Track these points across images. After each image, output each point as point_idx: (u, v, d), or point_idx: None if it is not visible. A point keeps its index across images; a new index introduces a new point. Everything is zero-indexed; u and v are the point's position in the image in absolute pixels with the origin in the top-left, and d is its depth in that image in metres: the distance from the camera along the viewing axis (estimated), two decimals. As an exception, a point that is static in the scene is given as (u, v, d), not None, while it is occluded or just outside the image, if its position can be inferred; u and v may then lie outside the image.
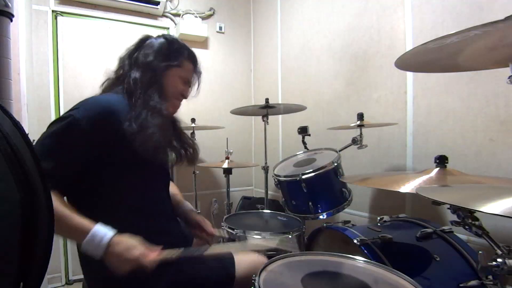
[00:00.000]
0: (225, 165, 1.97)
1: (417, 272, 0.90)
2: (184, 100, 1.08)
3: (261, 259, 1.03)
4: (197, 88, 1.09)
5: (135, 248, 0.77)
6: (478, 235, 0.67)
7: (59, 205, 0.75)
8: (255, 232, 1.27)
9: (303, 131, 1.70)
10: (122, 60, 1.00)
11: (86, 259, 0.89)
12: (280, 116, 2.46)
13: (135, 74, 0.93)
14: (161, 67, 0.96)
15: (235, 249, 1.04)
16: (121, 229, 0.79)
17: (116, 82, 0.98)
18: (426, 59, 0.86)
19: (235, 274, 0.94)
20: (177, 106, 1.06)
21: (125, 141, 0.83)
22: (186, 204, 1.18)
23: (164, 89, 0.96)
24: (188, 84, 1.05)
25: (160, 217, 0.98)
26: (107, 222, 0.79)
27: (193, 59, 1.04)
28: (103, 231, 0.76)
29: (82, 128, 0.79)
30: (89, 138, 0.81)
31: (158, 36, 1.02)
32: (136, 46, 1.01)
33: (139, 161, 0.86)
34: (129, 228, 0.81)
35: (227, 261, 0.97)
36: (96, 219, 0.78)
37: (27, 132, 0.69)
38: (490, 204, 0.51)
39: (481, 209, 0.49)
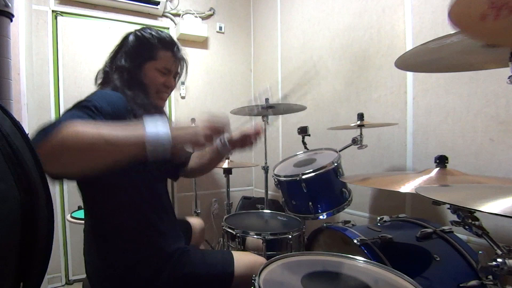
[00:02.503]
0: (225, 165, 1.97)
1: (417, 272, 0.90)
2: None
3: (260, 258, 1.03)
4: (185, 73, 1.06)
5: (191, 131, 0.70)
6: (478, 235, 0.67)
7: (93, 128, 0.60)
8: (255, 232, 1.27)
9: (303, 131, 1.70)
10: (107, 61, 1.01)
11: (91, 256, 0.89)
12: (280, 116, 2.47)
13: (114, 78, 0.94)
14: (134, 66, 0.95)
15: None
16: (133, 223, 0.86)
17: (104, 83, 0.98)
18: (426, 59, 0.86)
19: (234, 273, 0.94)
20: (165, 98, 1.04)
21: None
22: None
23: (145, 86, 0.96)
24: (169, 73, 1.01)
25: (164, 212, 0.99)
26: (121, 218, 0.84)
27: (167, 46, 0.98)
28: (154, 131, 0.63)
29: (106, 111, 0.73)
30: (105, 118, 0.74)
31: (131, 33, 1.01)
32: (119, 45, 1.02)
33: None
34: (142, 222, 0.88)
35: (227, 259, 0.97)
36: (108, 214, 0.83)
37: (27, 132, 0.69)
38: (490, 204, 0.51)
39: (481, 209, 0.49)
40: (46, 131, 0.57)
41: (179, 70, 1.05)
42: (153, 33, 0.98)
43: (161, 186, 1.04)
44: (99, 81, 1.00)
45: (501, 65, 0.80)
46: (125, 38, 1.01)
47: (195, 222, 1.35)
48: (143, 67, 0.96)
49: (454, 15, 0.53)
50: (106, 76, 0.98)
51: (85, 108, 0.70)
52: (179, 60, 1.02)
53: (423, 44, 0.75)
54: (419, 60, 0.89)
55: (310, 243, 1.29)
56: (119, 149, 0.61)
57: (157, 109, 0.99)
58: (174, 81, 1.04)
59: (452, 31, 0.61)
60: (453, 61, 0.86)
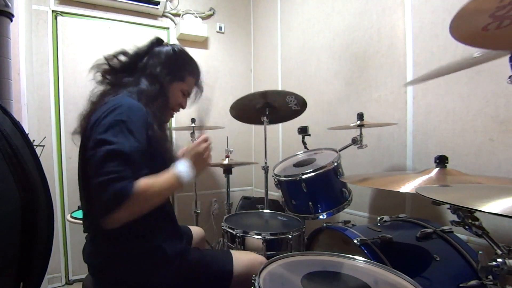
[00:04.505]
0: (225, 162, 1.97)
1: (417, 272, 0.90)
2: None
3: (260, 257, 1.03)
4: (198, 98, 1.12)
5: (192, 151, 0.90)
6: (478, 235, 0.67)
7: (150, 179, 0.77)
8: (255, 232, 1.27)
9: (303, 131, 1.71)
10: (131, 62, 1.00)
11: (94, 253, 0.89)
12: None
13: (144, 84, 0.94)
14: (166, 80, 0.98)
15: None
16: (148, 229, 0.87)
17: (123, 84, 0.96)
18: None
19: (233, 272, 0.94)
20: (172, 116, 1.10)
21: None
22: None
23: (168, 101, 1.00)
24: (187, 95, 1.09)
25: (170, 218, 1.00)
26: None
27: (196, 74, 1.07)
28: (180, 167, 0.85)
29: (136, 128, 0.80)
30: (140, 136, 0.81)
31: (167, 45, 1.03)
32: (147, 50, 1.01)
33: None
34: (154, 229, 0.89)
35: (226, 258, 0.97)
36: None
37: (27, 132, 0.69)
38: (490, 204, 0.51)
39: (481, 209, 0.49)
40: (121, 197, 0.70)
41: (193, 95, 1.12)
42: (188, 55, 1.05)
43: None
44: (111, 80, 0.98)
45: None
46: (157, 44, 1.01)
47: (196, 230, 1.34)
48: (171, 84, 1.00)
49: (456, 29, 0.54)
50: (129, 80, 0.96)
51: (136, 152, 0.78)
52: (199, 88, 1.11)
53: (422, 77, 0.74)
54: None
55: (310, 243, 1.29)
56: (169, 189, 0.83)
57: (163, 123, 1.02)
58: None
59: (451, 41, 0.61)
60: (453, 65, 0.87)
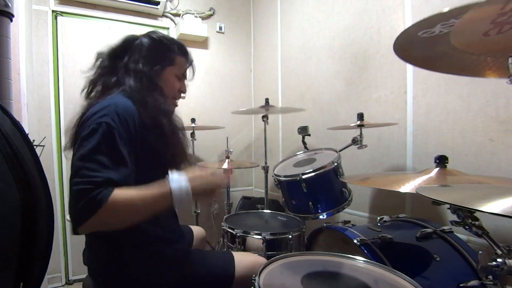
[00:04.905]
0: (225, 165, 1.97)
1: (417, 272, 0.90)
2: (183, 100, 1.08)
3: (261, 259, 1.03)
4: (193, 76, 1.08)
5: (209, 180, 0.82)
6: (478, 235, 0.67)
7: (132, 191, 0.72)
8: (255, 232, 1.27)
9: (303, 131, 1.71)
10: (110, 62, 0.97)
11: (94, 257, 0.89)
12: (280, 116, 2.47)
13: (131, 81, 0.90)
14: (155, 71, 0.94)
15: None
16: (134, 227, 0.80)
17: (111, 87, 0.93)
18: (427, 54, 0.86)
19: (235, 274, 0.94)
20: (176, 104, 1.06)
21: (144, 144, 0.83)
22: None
23: (163, 91, 0.96)
24: (184, 78, 1.04)
25: (168, 216, 0.99)
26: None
27: (184, 52, 1.01)
28: (176, 180, 0.75)
29: (119, 133, 0.77)
30: (125, 142, 0.78)
31: (143, 36, 0.99)
32: (122, 49, 0.98)
33: (154, 163, 0.88)
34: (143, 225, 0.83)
35: (227, 260, 0.97)
36: None
37: (27, 132, 0.69)
38: (490, 204, 0.51)
39: (481, 209, 0.49)
40: (93, 205, 0.66)
41: (188, 74, 1.07)
42: (169, 37, 1.00)
43: None
44: (98, 88, 0.96)
45: (502, 75, 0.79)
46: (133, 40, 0.98)
47: (197, 230, 1.34)
48: (162, 72, 0.95)
49: (456, 37, 0.54)
50: (113, 81, 0.93)
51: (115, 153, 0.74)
52: (191, 65, 1.05)
53: (414, 24, 0.73)
54: (418, 54, 0.88)
55: (310, 243, 1.29)
56: (153, 209, 0.75)
57: (171, 114, 0.97)
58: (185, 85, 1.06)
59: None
60: (454, 60, 0.86)
